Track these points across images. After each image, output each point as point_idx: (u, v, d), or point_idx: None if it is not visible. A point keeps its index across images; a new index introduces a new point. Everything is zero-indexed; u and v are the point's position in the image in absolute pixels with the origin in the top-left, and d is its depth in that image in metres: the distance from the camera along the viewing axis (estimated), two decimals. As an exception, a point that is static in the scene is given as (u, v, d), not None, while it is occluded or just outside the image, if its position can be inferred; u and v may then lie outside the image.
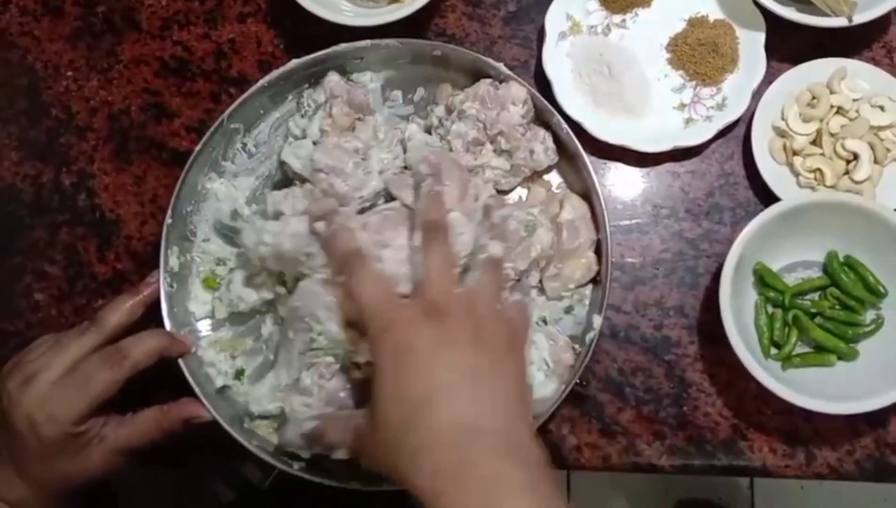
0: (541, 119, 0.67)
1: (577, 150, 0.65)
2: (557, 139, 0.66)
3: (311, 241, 0.58)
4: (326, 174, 0.62)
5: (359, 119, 0.67)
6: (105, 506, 1.20)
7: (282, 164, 0.65)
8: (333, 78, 0.66)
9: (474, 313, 0.52)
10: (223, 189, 0.69)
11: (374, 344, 0.51)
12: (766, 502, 1.55)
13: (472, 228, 0.57)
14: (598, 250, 0.65)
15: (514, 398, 0.50)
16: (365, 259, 0.55)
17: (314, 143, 0.65)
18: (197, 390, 0.62)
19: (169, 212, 0.65)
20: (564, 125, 0.65)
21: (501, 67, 0.66)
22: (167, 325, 0.64)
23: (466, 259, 0.57)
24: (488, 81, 0.66)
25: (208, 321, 0.67)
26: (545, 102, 0.66)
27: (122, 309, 0.62)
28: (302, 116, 0.67)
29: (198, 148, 0.66)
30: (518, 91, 0.65)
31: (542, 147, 0.65)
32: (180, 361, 0.63)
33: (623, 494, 1.54)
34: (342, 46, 0.67)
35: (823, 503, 1.53)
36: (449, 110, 0.66)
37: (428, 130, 0.67)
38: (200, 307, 0.67)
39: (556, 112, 0.66)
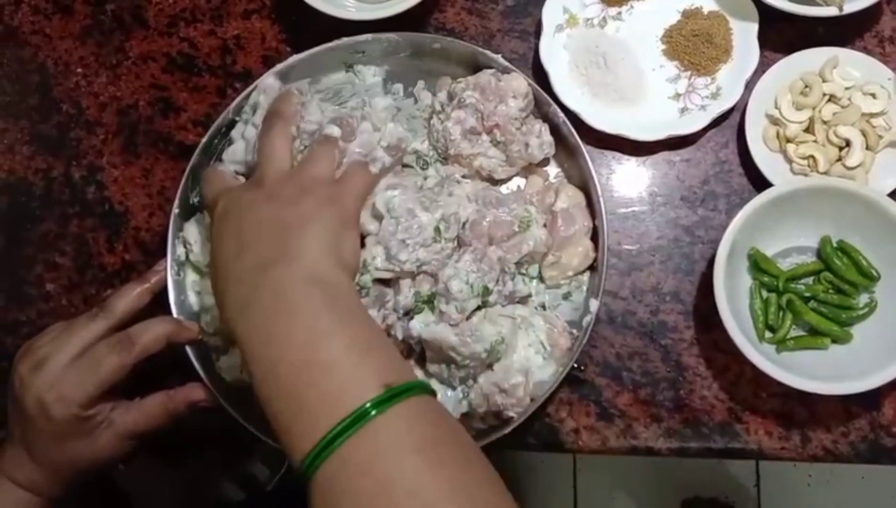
0: (540, 110, 0.68)
1: (575, 139, 0.66)
2: (555, 129, 0.68)
3: None
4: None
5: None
6: (119, 506, 1.22)
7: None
8: (268, 81, 0.67)
9: (293, 180, 0.55)
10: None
11: (210, 213, 0.58)
12: (772, 500, 1.55)
13: (318, 112, 0.61)
14: (595, 238, 0.67)
15: (327, 236, 0.52)
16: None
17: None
18: (202, 374, 0.64)
19: (176, 202, 0.67)
20: (561, 115, 0.67)
21: (500, 59, 0.67)
22: (174, 313, 0.66)
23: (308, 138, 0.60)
24: (491, 71, 0.67)
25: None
26: (542, 92, 0.67)
27: (130, 296, 0.64)
28: (242, 122, 0.68)
29: (204, 140, 0.68)
30: (519, 84, 0.66)
31: (537, 141, 0.66)
32: (187, 347, 0.64)
33: (628, 493, 1.54)
34: (344, 40, 0.69)
35: (829, 501, 1.53)
36: (451, 97, 0.67)
37: (429, 117, 0.69)
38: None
39: (553, 102, 0.67)
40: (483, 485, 0.44)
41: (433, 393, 0.48)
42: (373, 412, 0.44)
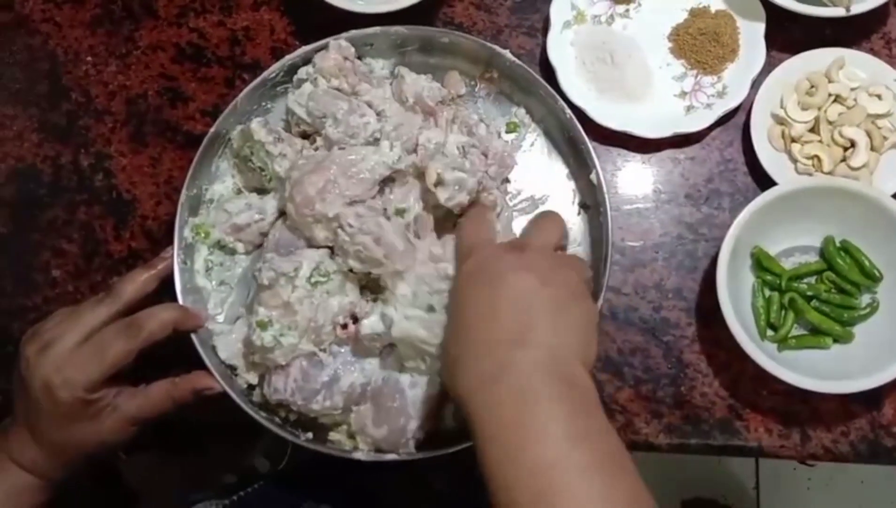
0: (546, 106, 0.69)
1: (580, 135, 0.66)
2: (562, 126, 0.68)
3: None
4: (321, 118, 0.64)
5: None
6: (120, 496, 1.23)
7: (289, 112, 0.67)
8: (341, 42, 0.68)
9: (552, 256, 0.54)
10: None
11: (459, 265, 0.55)
12: (771, 502, 1.55)
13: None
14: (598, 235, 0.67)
15: (577, 335, 0.50)
16: (486, 210, 0.61)
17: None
18: (207, 362, 0.64)
19: (184, 191, 0.67)
20: (568, 111, 0.67)
21: (508, 54, 0.68)
22: (180, 300, 0.66)
23: None
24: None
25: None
26: (549, 87, 0.67)
27: (136, 282, 0.64)
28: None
29: (211, 130, 0.68)
30: None
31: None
32: (192, 335, 0.65)
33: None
34: (352, 33, 0.69)
35: (828, 504, 1.53)
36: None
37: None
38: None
39: (559, 98, 0.67)
40: None
41: None
42: None
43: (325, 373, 0.62)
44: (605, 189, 0.65)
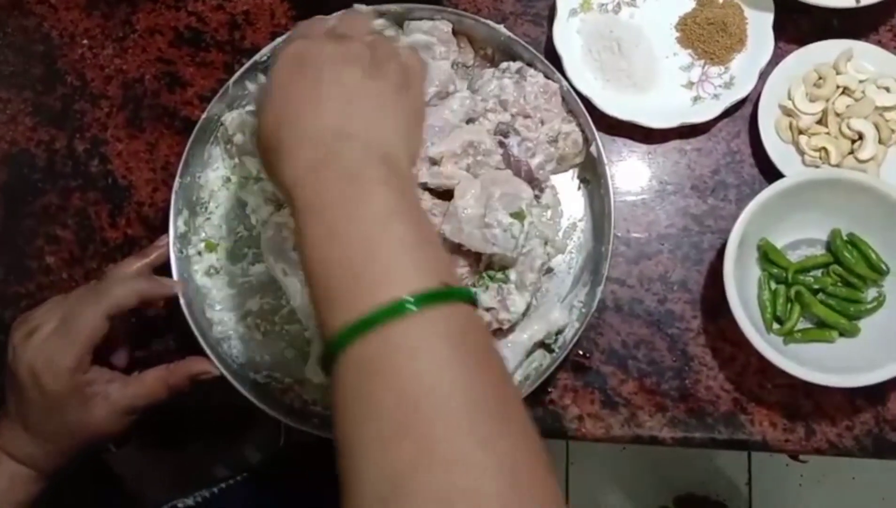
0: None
1: (579, 107, 0.65)
2: (570, 114, 0.67)
3: None
4: None
5: None
6: (111, 489, 1.21)
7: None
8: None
9: (374, 45, 0.52)
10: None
11: (282, 46, 0.52)
12: (763, 499, 1.55)
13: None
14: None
15: (400, 128, 0.50)
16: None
17: None
18: (203, 344, 0.63)
19: (177, 179, 0.66)
20: (565, 83, 0.66)
21: (502, 28, 0.66)
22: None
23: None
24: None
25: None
26: (544, 59, 0.66)
27: (130, 269, 0.63)
28: None
29: (203, 116, 0.67)
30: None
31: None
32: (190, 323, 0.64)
33: (621, 488, 1.54)
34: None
35: (820, 501, 1.54)
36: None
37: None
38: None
39: (556, 70, 0.66)
40: (511, 402, 0.42)
41: (476, 304, 0.46)
42: (413, 306, 0.41)
43: None
44: (605, 161, 0.64)
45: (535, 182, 0.64)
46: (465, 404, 0.39)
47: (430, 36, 0.66)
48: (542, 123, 0.64)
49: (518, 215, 0.60)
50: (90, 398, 0.60)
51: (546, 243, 0.64)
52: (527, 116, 0.63)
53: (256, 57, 0.67)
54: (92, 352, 0.60)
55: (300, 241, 0.45)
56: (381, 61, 0.50)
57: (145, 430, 1.18)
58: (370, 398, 0.40)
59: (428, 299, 0.41)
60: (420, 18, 0.68)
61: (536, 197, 0.64)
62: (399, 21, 0.69)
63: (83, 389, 0.60)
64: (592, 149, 0.65)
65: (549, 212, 0.66)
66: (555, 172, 0.68)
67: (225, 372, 0.62)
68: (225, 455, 1.32)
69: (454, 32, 0.68)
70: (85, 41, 0.77)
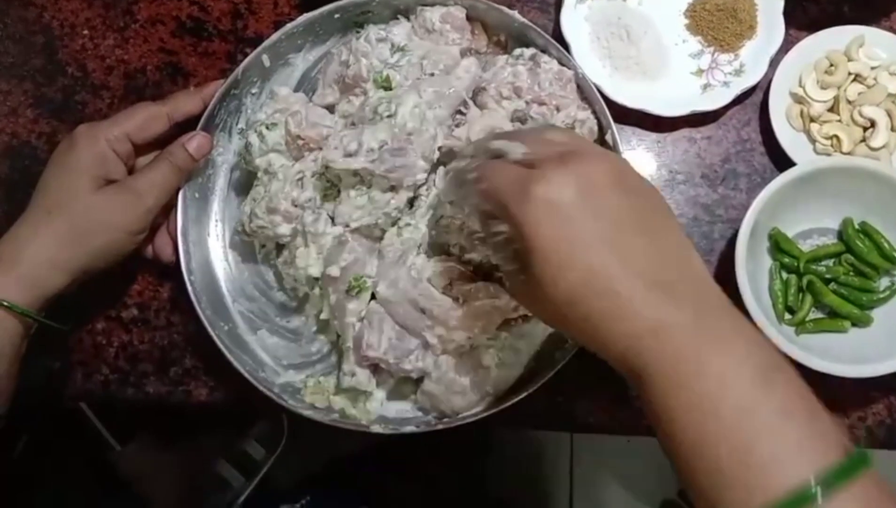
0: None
1: (594, 94, 0.64)
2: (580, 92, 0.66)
3: None
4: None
5: None
6: (116, 489, 1.21)
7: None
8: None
9: (611, 165, 0.45)
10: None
11: (513, 215, 0.44)
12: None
13: None
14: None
15: (695, 259, 0.45)
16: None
17: None
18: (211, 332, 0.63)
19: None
20: (580, 69, 0.64)
21: (516, 15, 0.65)
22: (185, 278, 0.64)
23: None
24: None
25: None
26: (559, 46, 0.65)
27: (190, 97, 0.66)
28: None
29: (211, 104, 0.66)
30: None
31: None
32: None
33: (626, 482, 1.54)
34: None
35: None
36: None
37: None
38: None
39: (571, 57, 0.65)
40: None
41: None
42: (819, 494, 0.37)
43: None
44: (620, 149, 0.63)
45: None
46: None
47: (444, 23, 0.65)
48: (558, 109, 0.62)
49: None
50: (111, 178, 0.62)
51: None
52: (542, 104, 0.62)
53: (265, 44, 0.66)
54: (128, 140, 0.63)
55: (659, 414, 0.41)
56: (620, 167, 0.46)
57: (149, 429, 1.18)
58: None
59: (837, 477, 0.37)
60: (433, 4, 0.67)
61: None
62: (409, 8, 0.68)
63: (108, 160, 0.62)
64: (608, 137, 0.64)
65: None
66: None
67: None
68: (228, 452, 1.32)
69: (468, 18, 0.67)
70: (86, 31, 0.76)
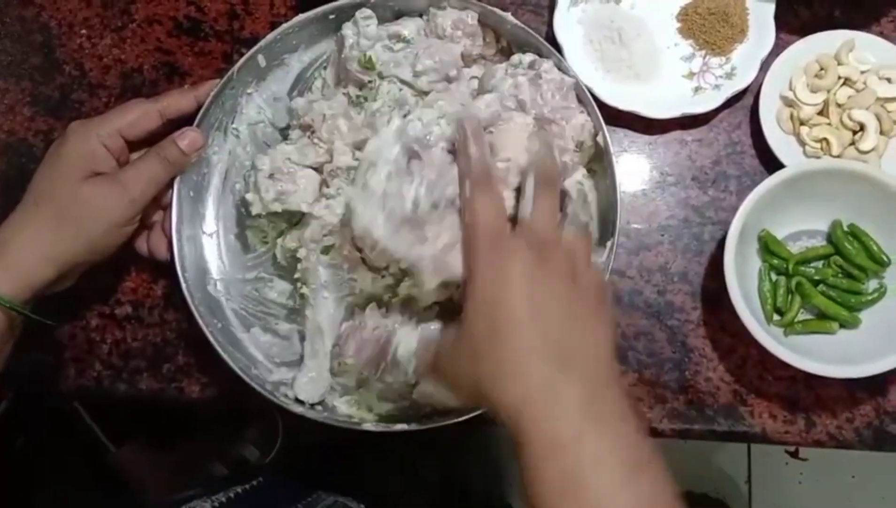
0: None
1: (586, 95, 0.63)
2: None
3: None
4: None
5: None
6: (114, 490, 1.21)
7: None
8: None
9: (573, 259, 0.51)
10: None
11: (476, 258, 0.50)
12: (763, 497, 1.55)
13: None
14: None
15: (604, 349, 0.49)
16: (492, 181, 0.54)
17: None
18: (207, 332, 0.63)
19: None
20: (573, 70, 0.64)
21: (509, 17, 0.65)
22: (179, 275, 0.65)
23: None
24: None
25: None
26: (551, 48, 0.64)
27: (183, 95, 0.66)
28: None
29: (204, 105, 0.66)
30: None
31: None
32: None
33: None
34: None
35: (820, 498, 1.53)
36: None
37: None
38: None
39: (563, 59, 0.65)
40: None
41: None
42: None
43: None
44: (611, 151, 0.63)
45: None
46: None
47: (455, 29, 0.65)
48: (566, 121, 0.63)
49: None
50: (101, 169, 0.62)
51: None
52: (551, 122, 0.62)
53: (260, 44, 0.67)
54: (120, 137, 0.63)
55: (528, 481, 0.45)
56: (580, 275, 0.51)
57: (145, 430, 1.18)
58: None
59: None
60: (429, 7, 0.67)
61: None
62: (404, 10, 0.69)
63: (98, 154, 0.62)
64: (599, 138, 0.64)
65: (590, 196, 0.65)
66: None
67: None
68: (224, 453, 1.32)
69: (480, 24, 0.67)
70: (83, 31, 0.77)
